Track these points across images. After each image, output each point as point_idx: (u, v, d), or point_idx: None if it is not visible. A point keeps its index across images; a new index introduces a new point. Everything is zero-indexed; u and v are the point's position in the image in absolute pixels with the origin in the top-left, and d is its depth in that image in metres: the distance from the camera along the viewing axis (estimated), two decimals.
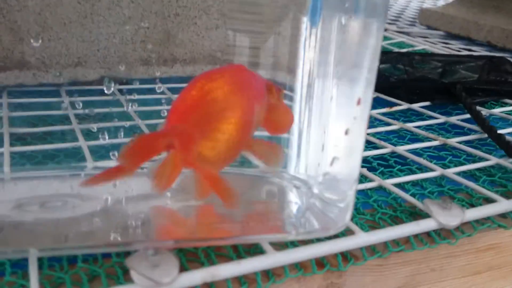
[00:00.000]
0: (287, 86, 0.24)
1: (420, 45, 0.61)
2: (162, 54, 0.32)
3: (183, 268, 0.19)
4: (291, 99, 0.24)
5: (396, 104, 0.42)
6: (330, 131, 0.21)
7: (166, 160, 0.19)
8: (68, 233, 0.20)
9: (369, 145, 0.33)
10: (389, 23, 0.74)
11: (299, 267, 0.21)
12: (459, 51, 0.60)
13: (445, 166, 0.30)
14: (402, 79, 0.46)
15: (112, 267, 0.20)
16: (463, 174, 0.30)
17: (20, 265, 0.20)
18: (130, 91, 0.27)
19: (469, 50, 0.62)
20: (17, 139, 0.29)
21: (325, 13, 0.22)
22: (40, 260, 0.20)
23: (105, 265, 0.20)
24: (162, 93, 0.28)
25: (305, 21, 0.23)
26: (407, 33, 0.68)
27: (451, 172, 0.29)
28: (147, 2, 0.31)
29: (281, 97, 0.23)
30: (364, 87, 0.19)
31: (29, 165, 0.27)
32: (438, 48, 0.61)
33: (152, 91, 0.28)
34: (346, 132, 0.20)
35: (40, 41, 0.29)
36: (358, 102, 0.19)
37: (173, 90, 0.32)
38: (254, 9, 0.26)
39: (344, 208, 0.21)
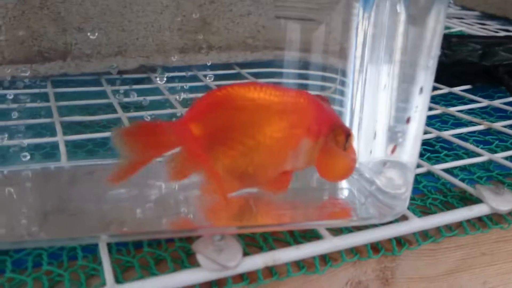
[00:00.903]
0: (339, 71, 0.24)
1: (457, 27, 0.60)
2: (198, 41, 0.33)
3: (244, 253, 0.20)
4: (343, 84, 0.24)
5: (437, 88, 0.42)
6: (388, 119, 0.21)
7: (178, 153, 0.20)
8: (133, 220, 0.21)
9: None
10: None
11: (355, 251, 0.22)
12: (496, 32, 0.59)
13: (492, 151, 0.30)
14: (441, 62, 0.46)
15: (175, 251, 0.21)
16: (511, 158, 0.30)
17: (89, 250, 0.21)
18: (170, 80, 0.28)
19: (507, 30, 0.61)
20: (66, 127, 0.30)
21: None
22: (108, 244, 0.21)
23: (169, 249, 0.21)
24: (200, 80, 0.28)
25: (357, 7, 0.23)
26: None
27: (499, 156, 0.29)
28: None
29: (348, 144, 0.21)
30: (425, 75, 0.19)
31: (82, 153, 0.28)
32: (475, 29, 0.60)
33: (191, 78, 0.28)
34: (408, 121, 0.20)
35: (89, 33, 0.30)
36: (421, 91, 0.19)
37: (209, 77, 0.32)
38: None
39: (403, 196, 0.21)
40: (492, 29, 0.61)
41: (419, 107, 0.20)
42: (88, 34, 0.30)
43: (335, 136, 0.21)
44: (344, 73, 0.23)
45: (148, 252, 0.21)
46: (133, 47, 0.32)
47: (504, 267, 0.26)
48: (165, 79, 0.27)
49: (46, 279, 0.19)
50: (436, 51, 0.19)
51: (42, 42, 0.30)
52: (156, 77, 0.28)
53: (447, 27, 0.60)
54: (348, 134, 0.21)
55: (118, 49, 0.32)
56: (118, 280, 0.19)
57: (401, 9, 0.20)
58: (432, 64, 0.19)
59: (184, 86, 0.28)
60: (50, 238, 0.20)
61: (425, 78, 0.19)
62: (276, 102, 0.20)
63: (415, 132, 0.20)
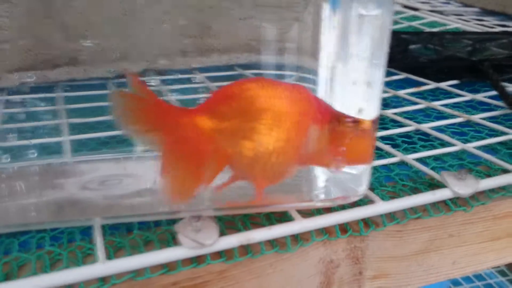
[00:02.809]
0: (312, 70, 0.26)
1: (453, 24, 0.62)
2: (199, 45, 0.35)
3: (222, 234, 0.22)
4: (314, 82, 0.26)
5: (425, 84, 0.43)
6: (347, 110, 0.23)
7: None
8: (125, 205, 0.24)
9: (394, 124, 0.35)
10: (423, 2, 0.75)
11: (324, 232, 0.24)
12: (492, 27, 0.60)
13: (466, 141, 0.32)
14: (431, 59, 0.48)
15: (162, 233, 0.24)
16: (484, 148, 0.31)
17: (86, 233, 0.24)
18: (171, 82, 0.30)
19: (504, 26, 0.62)
20: (72, 128, 0.33)
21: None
22: (103, 228, 0.23)
23: (157, 232, 0.24)
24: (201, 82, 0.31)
25: (325, 7, 0.25)
26: (441, 12, 0.69)
27: (471, 146, 0.31)
28: None
29: (360, 128, 0.23)
30: (373, 70, 0.21)
31: (86, 151, 0.31)
32: (471, 25, 0.61)
33: (190, 80, 0.31)
34: (360, 111, 0.22)
35: (88, 42, 0.33)
36: (369, 85, 0.21)
37: (211, 79, 0.35)
38: None
39: (361, 178, 0.24)
40: (489, 25, 0.62)
41: (369, 100, 0.22)
42: (91, 41, 0.33)
43: (342, 123, 0.23)
44: (315, 72, 0.26)
45: (137, 234, 0.23)
46: (136, 52, 0.35)
47: (472, 248, 0.28)
48: (158, 81, 0.29)
49: (47, 258, 0.22)
50: (382, 50, 0.21)
51: (49, 50, 0.33)
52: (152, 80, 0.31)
53: (442, 24, 0.62)
54: (355, 121, 0.23)
55: (121, 54, 0.35)
56: (109, 257, 0.21)
57: (363, 11, 0.22)
58: (380, 61, 0.21)
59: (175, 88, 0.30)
60: (51, 221, 0.23)
61: (374, 72, 0.21)
62: (285, 92, 0.22)
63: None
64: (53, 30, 0.33)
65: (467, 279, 0.94)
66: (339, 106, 0.23)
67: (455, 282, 0.91)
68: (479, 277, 0.95)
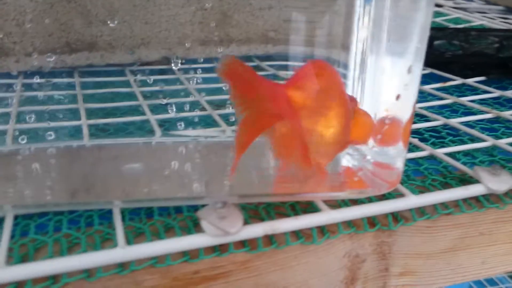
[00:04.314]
0: (341, 62, 0.25)
1: (478, 21, 0.60)
2: (218, 34, 0.35)
3: (246, 223, 0.21)
4: (344, 75, 0.25)
5: (450, 79, 0.42)
6: (382, 99, 0.22)
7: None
8: (146, 189, 0.23)
9: (421, 118, 0.34)
10: None
11: (352, 225, 0.23)
12: None
13: (497, 137, 0.31)
14: (457, 54, 0.46)
15: (183, 220, 0.23)
16: None
17: (105, 217, 0.23)
18: (190, 70, 0.30)
19: None
20: (90, 114, 0.32)
21: None
22: (122, 213, 0.23)
23: (178, 218, 0.23)
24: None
25: None
26: (465, 9, 0.67)
27: (503, 142, 0.30)
28: None
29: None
30: (414, 57, 0.20)
31: (104, 136, 0.30)
32: (497, 23, 0.59)
33: (209, 70, 0.30)
34: (397, 98, 0.21)
35: (111, 24, 0.32)
36: (409, 70, 0.20)
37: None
38: None
39: (395, 168, 0.23)
40: None
41: (408, 86, 0.21)
42: (112, 26, 0.32)
43: (354, 103, 0.23)
44: (345, 64, 0.25)
45: (158, 221, 0.23)
46: (156, 40, 0.34)
47: (503, 248, 0.27)
48: (179, 64, 0.28)
49: (65, 241, 0.21)
50: (424, 36, 0.20)
51: (70, 34, 0.32)
52: (173, 65, 0.30)
53: (467, 21, 0.60)
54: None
55: (141, 41, 0.34)
56: (129, 243, 0.21)
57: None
58: (422, 47, 0.20)
59: (198, 76, 0.30)
60: (69, 202, 0.22)
61: (415, 59, 0.20)
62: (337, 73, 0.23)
63: (403, 109, 0.21)
64: (75, 15, 0.32)
65: (479, 283, 0.93)
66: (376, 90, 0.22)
67: (461, 286, 0.89)
68: (490, 281, 0.93)
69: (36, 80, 0.27)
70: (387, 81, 0.22)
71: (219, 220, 0.20)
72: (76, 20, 0.32)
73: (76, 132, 0.29)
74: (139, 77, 0.32)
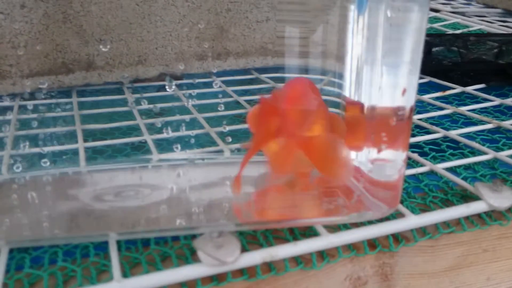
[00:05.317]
0: (337, 74, 0.25)
1: (476, 25, 0.60)
2: (216, 48, 0.34)
3: (244, 250, 0.21)
4: (340, 86, 0.25)
5: (450, 88, 0.42)
6: (378, 119, 0.22)
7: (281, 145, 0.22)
8: (141, 219, 0.23)
9: (421, 130, 0.34)
10: (443, 4, 0.73)
11: (352, 248, 0.23)
12: None
13: (498, 149, 0.31)
14: (455, 62, 0.46)
15: (180, 248, 0.22)
16: None
17: (101, 248, 0.22)
18: (188, 86, 0.29)
19: None
20: (87, 135, 0.32)
21: (371, 1, 0.23)
22: (118, 243, 0.22)
23: (174, 247, 0.22)
24: (218, 87, 0.30)
25: (352, 9, 0.24)
26: (462, 13, 0.67)
27: (504, 154, 0.29)
28: (200, 0, 0.33)
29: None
30: (408, 76, 0.20)
31: (101, 159, 0.30)
32: (495, 27, 0.59)
33: (207, 85, 0.29)
34: (403, 93, 0.20)
35: (108, 46, 0.32)
36: (403, 93, 0.20)
37: (227, 83, 0.34)
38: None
39: (393, 192, 0.22)
40: None
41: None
42: (108, 46, 0.32)
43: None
44: (341, 76, 0.24)
45: (154, 250, 0.22)
46: (153, 56, 0.34)
47: (508, 264, 0.26)
48: (173, 87, 0.28)
49: (60, 274, 0.21)
50: (417, 53, 0.19)
51: (66, 54, 0.32)
52: (167, 86, 0.29)
53: (465, 26, 0.60)
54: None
55: (138, 58, 0.34)
56: (125, 275, 0.20)
57: (391, 13, 0.21)
58: (415, 66, 0.20)
59: (193, 93, 0.29)
60: (65, 236, 0.22)
61: (409, 78, 0.20)
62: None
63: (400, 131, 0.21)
64: (71, 35, 0.32)
65: None
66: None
67: None
68: None
69: (31, 107, 0.27)
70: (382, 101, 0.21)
71: (216, 250, 0.20)
72: (72, 40, 0.32)
73: (71, 156, 0.29)
74: (134, 97, 0.31)
